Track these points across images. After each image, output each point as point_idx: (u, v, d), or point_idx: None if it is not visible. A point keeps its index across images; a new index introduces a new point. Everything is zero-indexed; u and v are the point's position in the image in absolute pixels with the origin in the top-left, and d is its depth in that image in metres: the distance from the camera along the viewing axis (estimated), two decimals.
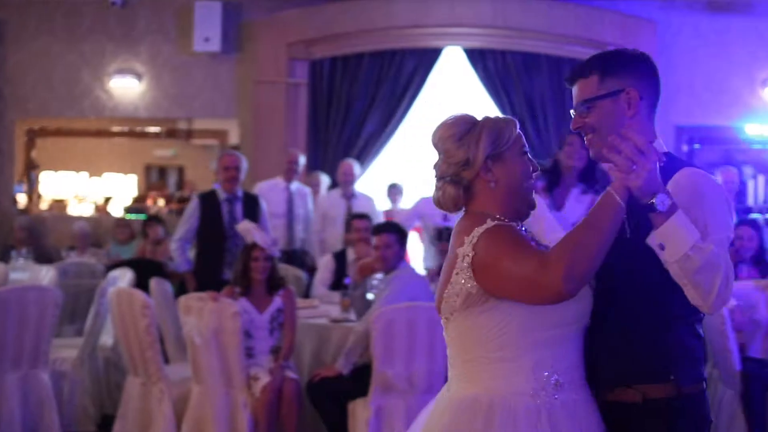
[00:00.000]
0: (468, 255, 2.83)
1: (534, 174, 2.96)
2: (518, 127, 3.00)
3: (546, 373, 2.81)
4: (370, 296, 6.69)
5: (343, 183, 9.41)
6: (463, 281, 2.85)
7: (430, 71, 10.69)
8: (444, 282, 2.93)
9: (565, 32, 10.51)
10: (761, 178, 10.60)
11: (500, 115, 3.03)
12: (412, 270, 6.62)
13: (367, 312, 6.24)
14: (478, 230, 2.85)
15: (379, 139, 10.65)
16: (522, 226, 2.99)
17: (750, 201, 10.47)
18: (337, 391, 6.23)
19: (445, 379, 6.13)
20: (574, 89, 3.04)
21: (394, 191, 10.31)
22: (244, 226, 6.70)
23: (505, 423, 2.80)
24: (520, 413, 2.80)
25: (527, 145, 2.99)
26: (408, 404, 6.12)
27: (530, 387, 2.81)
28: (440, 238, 7.96)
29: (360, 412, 6.13)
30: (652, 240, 2.69)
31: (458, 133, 2.95)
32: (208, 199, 7.84)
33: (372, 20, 10.57)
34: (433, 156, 3.05)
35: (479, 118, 3.00)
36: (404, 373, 6.06)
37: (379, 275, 6.66)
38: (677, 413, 2.84)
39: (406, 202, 10.31)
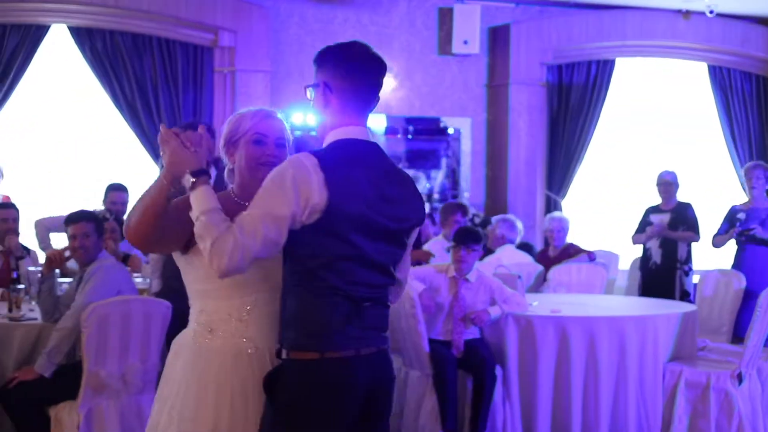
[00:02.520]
0: None
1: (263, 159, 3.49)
2: (268, 117, 3.56)
3: (204, 319, 3.46)
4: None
5: None
6: None
7: (35, 49, 10.23)
8: None
9: (177, 14, 10.53)
10: None
11: (248, 108, 3.66)
12: (114, 260, 6.46)
13: (72, 307, 6.00)
14: None
15: None
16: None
17: None
18: (36, 396, 5.94)
19: (159, 375, 6.15)
20: None
21: None
22: None
23: (175, 351, 3.55)
24: (185, 346, 3.49)
25: (272, 135, 3.53)
26: (121, 404, 6.01)
27: (193, 327, 3.50)
28: None
29: (66, 418, 5.88)
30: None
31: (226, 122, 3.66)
32: None
33: None
34: None
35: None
36: (117, 372, 5.93)
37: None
38: (284, 375, 3.23)
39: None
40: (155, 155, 10.51)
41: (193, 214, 3.15)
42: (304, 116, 10.73)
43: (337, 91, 3.26)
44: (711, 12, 11.42)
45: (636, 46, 12.11)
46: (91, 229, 6.27)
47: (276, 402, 3.20)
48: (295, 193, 3.08)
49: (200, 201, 3.16)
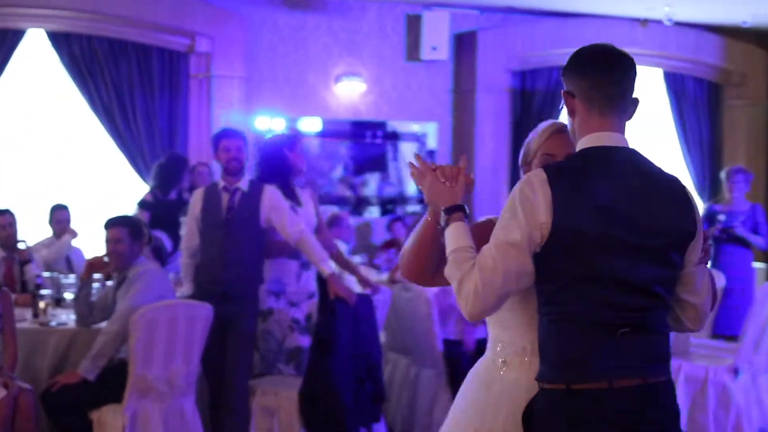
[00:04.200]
0: None
1: None
2: (556, 133, 3.37)
3: (499, 350, 3.30)
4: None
5: None
6: None
7: (12, 53, 10.30)
8: None
9: (154, 20, 10.71)
10: None
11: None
12: (155, 266, 6.65)
13: (117, 311, 6.19)
14: None
15: None
16: None
17: None
18: (79, 400, 6.12)
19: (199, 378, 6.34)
20: None
21: None
22: None
23: (470, 378, 3.40)
24: (479, 374, 3.36)
25: (561, 153, 3.30)
26: (165, 407, 6.22)
27: (490, 357, 3.35)
28: None
29: (111, 421, 6.09)
30: None
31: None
32: None
33: None
34: None
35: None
36: (163, 374, 6.15)
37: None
38: (536, 408, 3.09)
39: None
40: (132, 160, 10.67)
41: (447, 252, 3.09)
42: (285, 122, 11.05)
43: (579, 96, 3.11)
44: (669, 20, 11.93)
45: None
46: (125, 234, 6.43)
47: None
48: (524, 214, 2.95)
49: (450, 239, 3.08)
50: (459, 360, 7.23)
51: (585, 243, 2.95)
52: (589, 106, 3.09)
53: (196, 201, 6.80)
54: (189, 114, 10.96)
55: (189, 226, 6.84)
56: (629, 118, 3.16)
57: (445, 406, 7.27)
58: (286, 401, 6.58)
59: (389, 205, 12.33)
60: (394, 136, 12.22)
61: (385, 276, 9.36)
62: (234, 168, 6.67)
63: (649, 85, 12.92)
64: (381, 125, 12.11)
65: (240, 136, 6.79)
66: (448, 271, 3.05)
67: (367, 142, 12.10)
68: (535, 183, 2.99)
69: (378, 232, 11.87)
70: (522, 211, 2.96)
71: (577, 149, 3.12)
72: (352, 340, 6.51)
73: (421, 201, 12.20)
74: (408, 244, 3.33)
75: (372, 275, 9.04)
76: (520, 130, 12.43)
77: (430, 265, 3.28)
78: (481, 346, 7.32)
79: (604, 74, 3.09)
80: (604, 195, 2.98)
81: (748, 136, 13.18)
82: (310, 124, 11.64)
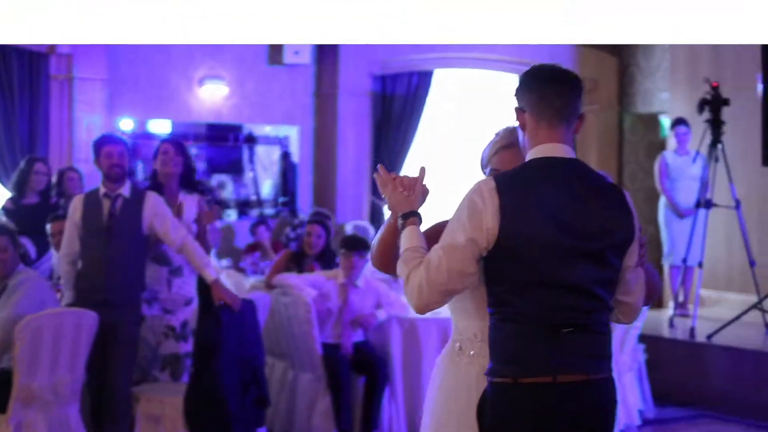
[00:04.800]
0: None
1: None
2: (504, 149, 3.58)
3: (457, 336, 3.53)
4: None
5: None
6: None
7: None
8: None
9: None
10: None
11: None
12: (35, 273, 6.58)
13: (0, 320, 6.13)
14: None
15: None
16: None
17: None
18: None
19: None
20: None
21: None
22: None
23: (436, 364, 3.61)
24: (442, 359, 3.57)
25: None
26: (50, 417, 6.19)
27: (450, 343, 3.57)
28: None
29: None
30: None
31: None
32: None
33: None
34: None
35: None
36: (48, 383, 6.12)
37: None
38: (486, 400, 3.26)
39: None
40: None
41: (400, 251, 3.34)
42: (137, 124, 11.08)
43: (529, 111, 3.30)
44: None
45: (454, 57, 12.87)
46: (7, 242, 6.36)
47: (481, 427, 3.27)
48: (470, 220, 3.16)
49: (404, 240, 3.33)
50: (338, 364, 7.37)
51: (530, 248, 3.16)
52: (538, 119, 3.29)
53: (76, 207, 6.75)
54: (50, 117, 10.82)
55: (69, 232, 6.79)
56: (576, 131, 3.36)
57: (324, 411, 7.40)
58: (171, 408, 6.62)
59: (246, 207, 12.41)
60: (251, 140, 12.30)
61: (252, 279, 9.42)
62: (116, 174, 6.67)
63: (505, 91, 13.27)
64: (238, 128, 12.17)
65: (122, 142, 6.79)
66: (399, 267, 3.29)
67: (223, 145, 12.15)
68: (485, 191, 3.19)
69: (240, 235, 11.92)
70: (469, 217, 3.17)
71: (527, 159, 3.32)
72: (237, 345, 6.58)
73: (284, 204, 12.37)
74: (375, 241, 3.63)
75: (239, 279, 9.12)
76: (381, 133, 12.66)
77: (394, 259, 3.43)
78: (359, 350, 7.56)
79: (551, 88, 3.31)
80: (549, 203, 3.19)
81: (600, 142, 13.61)
82: (160, 126, 11.67)
